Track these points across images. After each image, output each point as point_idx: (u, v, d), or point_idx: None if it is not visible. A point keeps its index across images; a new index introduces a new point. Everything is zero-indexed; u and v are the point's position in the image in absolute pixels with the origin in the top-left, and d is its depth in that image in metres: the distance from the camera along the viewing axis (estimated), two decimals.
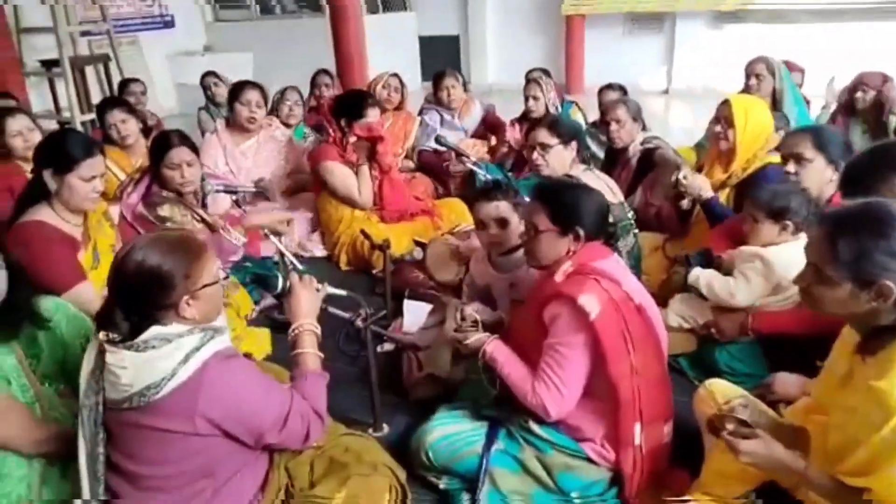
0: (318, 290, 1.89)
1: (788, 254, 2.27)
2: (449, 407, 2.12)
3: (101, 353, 1.55)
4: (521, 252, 2.21)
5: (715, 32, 8.81)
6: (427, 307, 2.89)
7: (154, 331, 1.52)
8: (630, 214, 2.95)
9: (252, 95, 3.85)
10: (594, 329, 1.75)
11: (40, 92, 7.17)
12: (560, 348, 1.80)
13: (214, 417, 1.50)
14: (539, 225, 1.91)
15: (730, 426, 1.51)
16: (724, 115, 2.95)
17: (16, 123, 3.36)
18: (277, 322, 2.88)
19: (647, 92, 8.70)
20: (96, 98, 7.12)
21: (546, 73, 5.29)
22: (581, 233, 1.88)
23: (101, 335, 1.54)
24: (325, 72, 5.35)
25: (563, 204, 1.91)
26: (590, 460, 1.87)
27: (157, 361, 1.48)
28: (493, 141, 4.79)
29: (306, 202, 3.98)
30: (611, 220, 2.06)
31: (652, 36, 9.17)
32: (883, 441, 1.29)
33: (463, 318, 2.05)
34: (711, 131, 3.09)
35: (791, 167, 2.54)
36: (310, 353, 1.79)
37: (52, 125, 6.89)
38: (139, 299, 1.53)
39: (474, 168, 3.84)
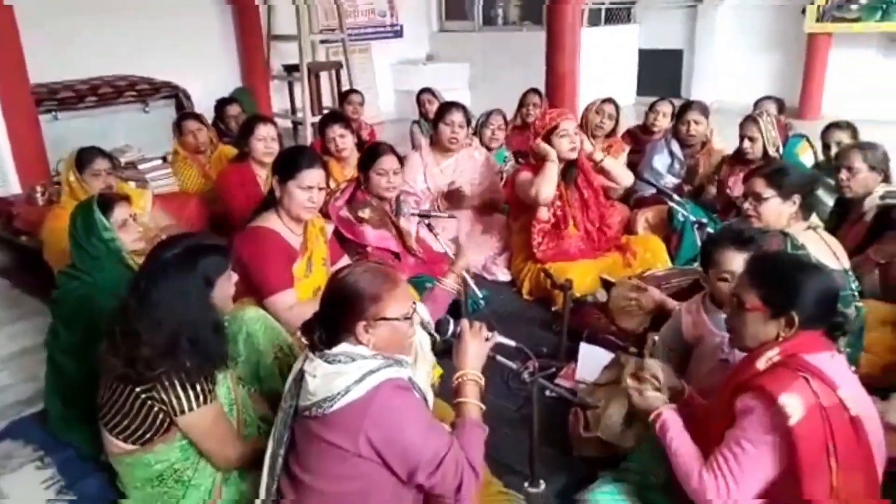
0: (487, 339, 1.88)
1: None
2: (612, 476, 1.99)
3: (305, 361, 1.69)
4: None
5: None
6: (604, 354, 2.76)
7: (343, 347, 1.65)
8: (854, 284, 2.58)
9: (456, 116, 3.95)
10: (791, 436, 1.53)
11: (281, 93, 8.04)
12: (743, 443, 1.60)
13: (375, 440, 1.56)
14: (746, 302, 1.71)
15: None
16: None
17: (264, 130, 3.78)
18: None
19: None
20: (327, 101, 7.81)
21: (780, 103, 4.79)
22: (795, 318, 1.65)
23: (299, 336, 1.70)
24: (535, 91, 5.33)
25: (778, 283, 1.69)
26: None
27: (339, 377, 1.59)
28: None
29: (496, 225, 4.00)
30: (840, 309, 1.78)
31: None
32: None
33: (641, 368, 1.96)
34: None
35: None
36: (472, 403, 1.78)
37: (286, 124, 7.72)
38: (331, 313, 1.68)
39: (675, 206, 3.61)
